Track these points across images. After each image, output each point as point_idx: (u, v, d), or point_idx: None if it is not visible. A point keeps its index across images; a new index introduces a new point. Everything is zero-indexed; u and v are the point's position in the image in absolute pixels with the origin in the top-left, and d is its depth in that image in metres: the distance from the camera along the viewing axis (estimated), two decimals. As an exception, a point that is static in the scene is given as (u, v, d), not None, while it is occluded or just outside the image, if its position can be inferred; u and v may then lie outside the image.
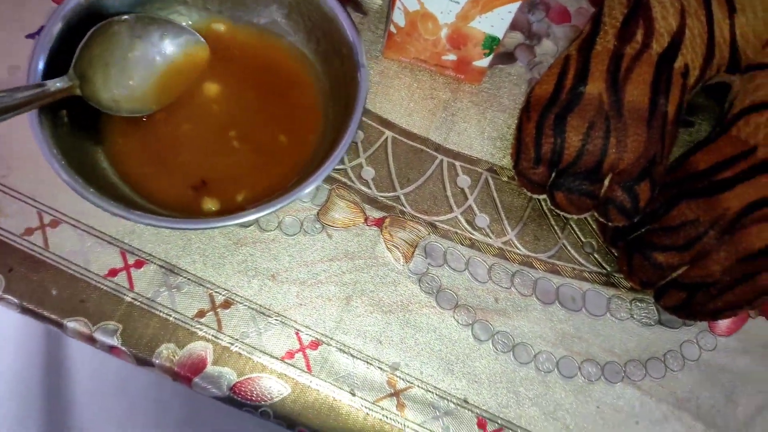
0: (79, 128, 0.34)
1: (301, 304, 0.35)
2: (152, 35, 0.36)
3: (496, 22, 0.36)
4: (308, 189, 0.32)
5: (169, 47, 0.37)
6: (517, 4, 0.34)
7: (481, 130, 0.41)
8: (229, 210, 0.34)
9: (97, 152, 0.35)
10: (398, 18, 0.38)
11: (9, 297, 0.34)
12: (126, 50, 0.36)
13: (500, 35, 0.37)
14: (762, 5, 0.39)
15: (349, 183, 0.39)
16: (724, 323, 0.39)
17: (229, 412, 0.33)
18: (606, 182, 0.36)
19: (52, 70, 0.32)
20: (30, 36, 0.40)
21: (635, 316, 0.38)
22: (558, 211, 0.38)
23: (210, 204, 0.35)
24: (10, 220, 0.35)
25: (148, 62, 0.36)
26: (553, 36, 0.44)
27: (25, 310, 0.34)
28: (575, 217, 0.38)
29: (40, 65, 0.32)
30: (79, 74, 0.33)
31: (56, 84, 0.32)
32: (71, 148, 0.33)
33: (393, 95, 0.41)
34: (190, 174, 0.36)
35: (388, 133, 0.41)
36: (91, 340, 0.34)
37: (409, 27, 0.38)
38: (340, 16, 0.35)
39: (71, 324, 0.33)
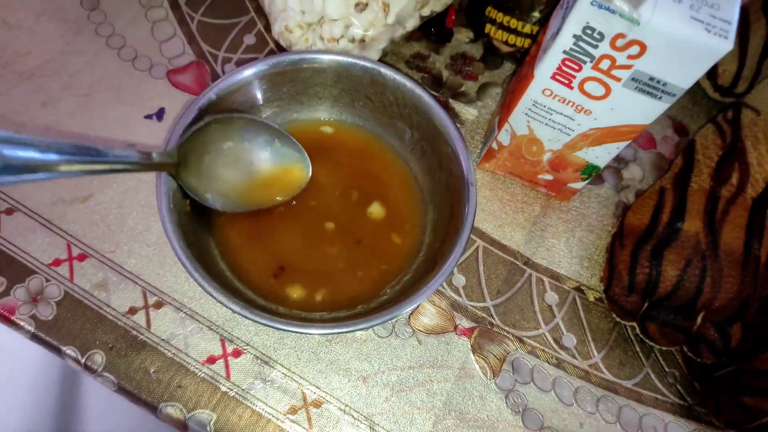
0: (198, 217, 0.36)
1: (390, 410, 0.36)
2: (259, 141, 0.37)
3: (601, 155, 0.38)
4: (413, 305, 0.33)
5: (270, 157, 0.37)
6: (627, 142, 0.36)
7: (569, 248, 0.42)
8: (309, 304, 0.35)
9: (209, 240, 0.36)
10: (503, 138, 0.40)
11: (108, 375, 0.34)
12: (226, 149, 0.36)
13: (602, 165, 0.39)
14: None
15: (440, 289, 0.40)
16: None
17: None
18: (698, 319, 0.37)
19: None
20: (148, 117, 0.42)
21: (716, 455, 0.38)
22: (647, 341, 0.38)
23: (294, 292, 0.36)
24: (115, 297, 0.36)
25: (246, 165, 0.37)
26: (639, 161, 0.46)
27: (121, 390, 0.34)
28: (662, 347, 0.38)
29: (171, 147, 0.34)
30: (181, 156, 0.33)
31: (161, 157, 0.32)
32: (190, 234, 0.34)
33: (485, 205, 0.43)
34: (276, 257, 0.37)
35: (480, 242, 0.42)
36: (183, 426, 0.34)
37: (513, 147, 0.40)
38: (451, 133, 0.37)
39: (167, 409, 0.34)
